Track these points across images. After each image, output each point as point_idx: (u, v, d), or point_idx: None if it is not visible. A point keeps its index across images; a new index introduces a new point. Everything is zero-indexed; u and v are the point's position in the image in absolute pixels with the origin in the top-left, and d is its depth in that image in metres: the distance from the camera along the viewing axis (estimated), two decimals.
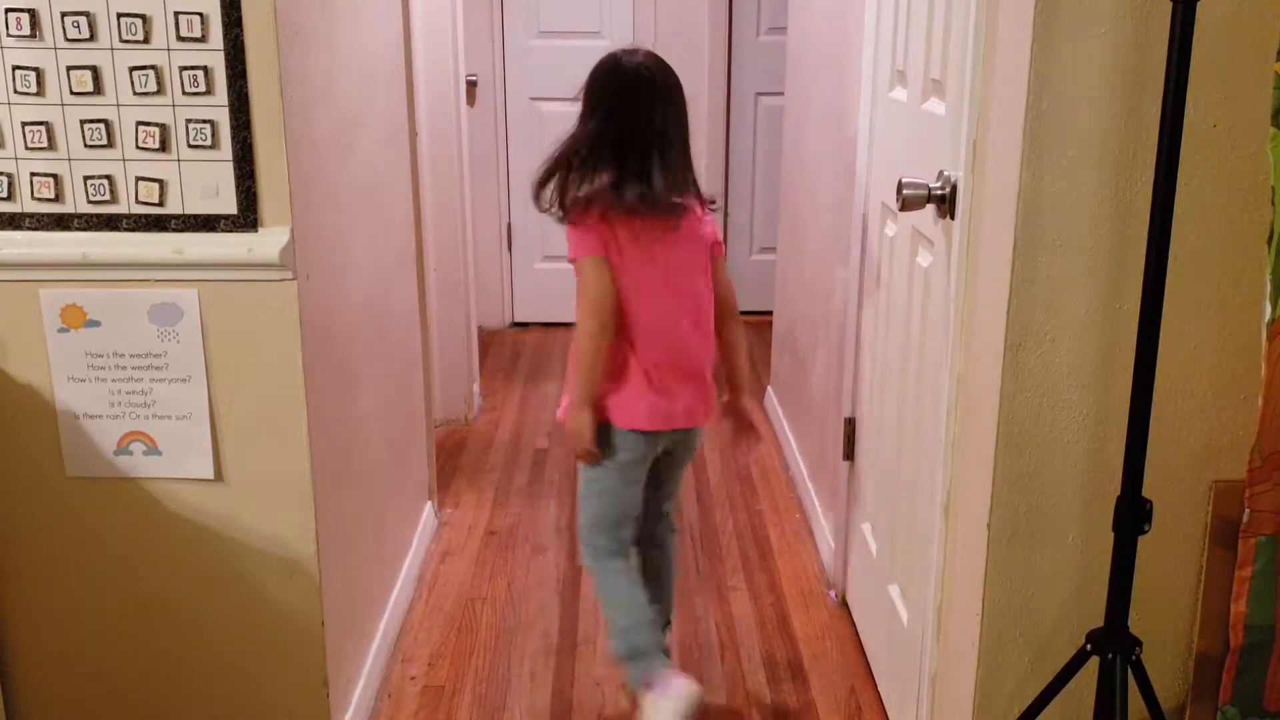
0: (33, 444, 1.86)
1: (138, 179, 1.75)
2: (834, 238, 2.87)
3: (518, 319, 5.17)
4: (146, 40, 1.69)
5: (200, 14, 1.67)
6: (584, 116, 2.09)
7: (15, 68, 1.71)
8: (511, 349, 4.85)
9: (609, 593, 2.21)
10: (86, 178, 1.75)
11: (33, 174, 1.75)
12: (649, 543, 2.30)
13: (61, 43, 1.70)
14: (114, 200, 1.76)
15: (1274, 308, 1.42)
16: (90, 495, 1.88)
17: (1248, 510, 1.51)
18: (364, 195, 2.29)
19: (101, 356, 1.82)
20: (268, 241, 1.76)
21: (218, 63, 1.70)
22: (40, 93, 1.72)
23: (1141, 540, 1.52)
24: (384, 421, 2.49)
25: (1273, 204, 1.42)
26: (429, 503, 3.09)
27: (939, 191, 1.81)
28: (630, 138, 2.04)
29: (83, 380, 1.83)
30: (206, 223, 1.77)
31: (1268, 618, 1.54)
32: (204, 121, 1.72)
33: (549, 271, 5.12)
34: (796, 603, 2.75)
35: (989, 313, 1.64)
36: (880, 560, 2.33)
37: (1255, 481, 1.49)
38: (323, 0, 1.96)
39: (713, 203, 2.16)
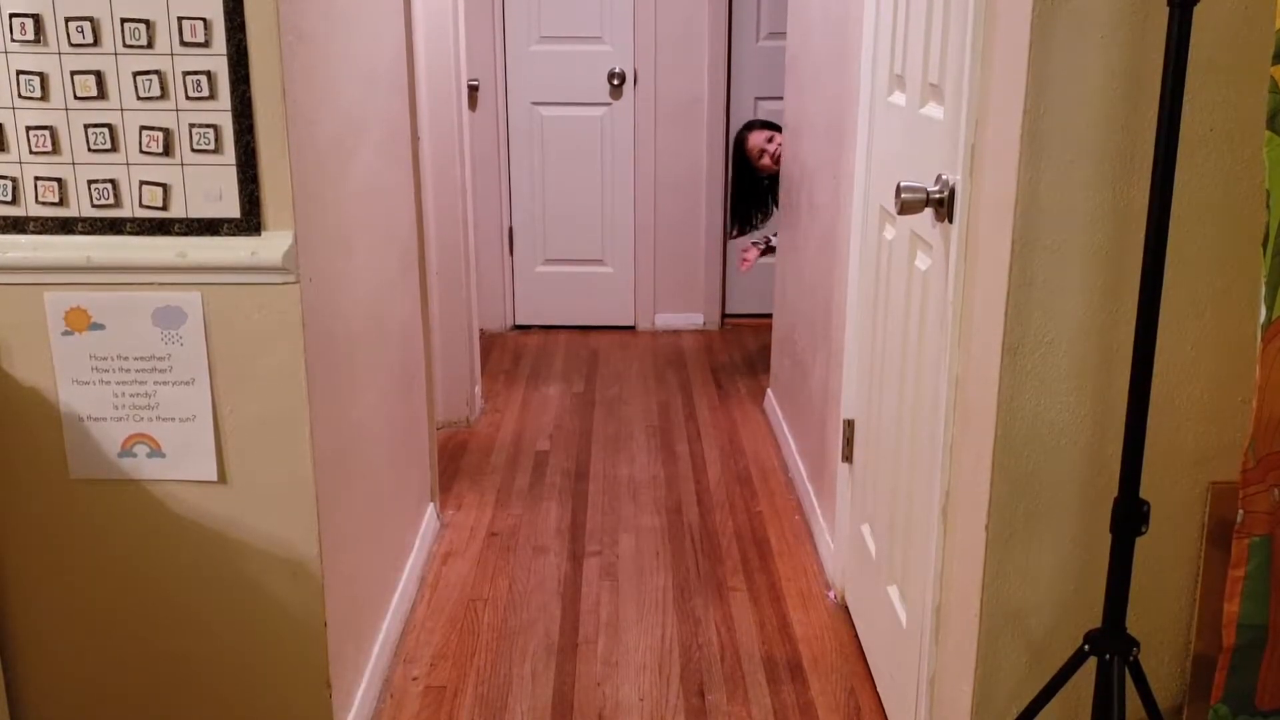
0: (37, 446, 1.87)
1: (141, 183, 1.76)
2: (833, 241, 2.88)
3: (519, 322, 5.18)
4: (150, 45, 1.70)
5: (204, 19, 1.69)
6: None
7: (20, 72, 1.72)
8: (513, 352, 4.87)
9: None
10: (90, 182, 1.76)
11: (37, 178, 1.77)
12: None
13: (66, 48, 1.71)
14: (118, 204, 1.77)
15: (1269, 310, 1.43)
16: (94, 497, 1.89)
17: (1241, 511, 1.51)
18: (366, 199, 2.31)
19: (105, 359, 1.83)
20: (271, 245, 1.77)
21: (221, 68, 1.71)
22: (45, 97, 1.73)
23: (1139, 541, 1.52)
24: (386, 424, 2.50)
25: (1268, 207, 1.42)
26: (431, 504, 3.10)
27: (937, 195, 1.82)
28: None
29: (87, 383, 1.84)
30: (210, 226, 1.78)
31: (1260, 618, 1.55)
32: (207, 126, 1.73)
33: (550, 275, 5.13)
34: (796, 604, 2.76)
35: (987, 315, 1.65)
36: (879, 561, 2.34)
37: (1249, 483, 1.50)
38: (325, 5, 1.97)
39: None
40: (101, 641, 1.97)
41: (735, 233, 4.88)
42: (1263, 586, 1.54)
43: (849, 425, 2.65)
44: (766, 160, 4.46)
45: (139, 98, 1.73)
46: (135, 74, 1.72)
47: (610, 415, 4.09)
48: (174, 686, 1.99)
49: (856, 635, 2.58)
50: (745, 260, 4.56)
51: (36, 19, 1.70)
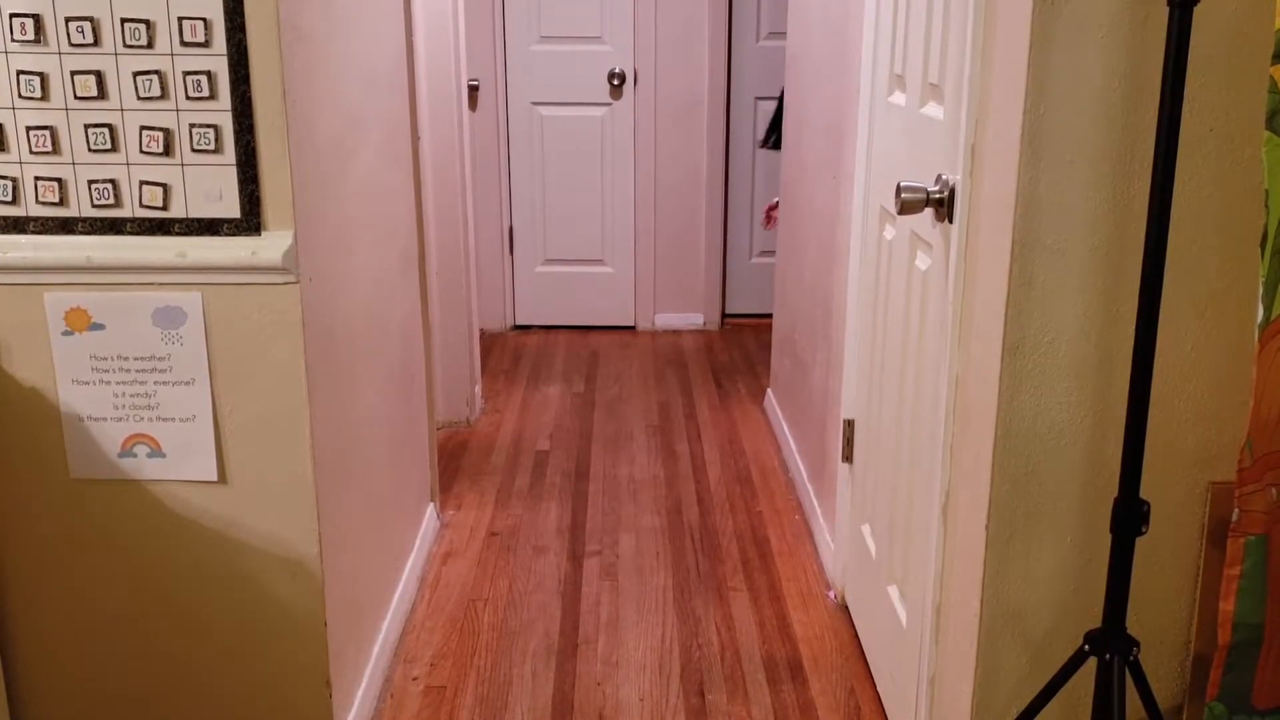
0: (37, 446, 1.87)
1: (141, 183, 1.76)
2: (833, 241, 2.88)
3: (519, 322, 5.18)
4: (150, 45, 1.70)
5: (204, 19, 1.69)
6: None
7: (20, 72, 1.72)
8: (513, 352, 4.87)
9: None
10: (91, 182, 1.76)
11: (37, 178, 1.77)
12: None
13: (66, 48, 1.71)
14: (118, 204, 1.77)
15: (1266, 310, 1.43)
16: (94, 497, 1.89)
17: (1237, 510, 1.51)
18: (366, 199, 2.31)
19: (105, 359, 1.83)
20: (271, 245, 1.77)
21: (221, 67, 1.71)
22: (45, 97, 1.73)
23: (1139, 541, 1.53)
24: (386, 423, 2.51)
25: (1267, 207, 1.42)
26: (431, 504, 3.10)
27: (937, 195, 1.82)
28: None
29: (87, 383, 1.84)
30: (210, 226, 1.78)
31: (1256, 616, 1.55)
32: (207, 126, 1.73)
33: (550, 275, 5.13)
34: (796, 604, 2.76)
35: (987, 315, 1.65)
36: (879, 561, 2.34)
37: (1245, 481, 1.50)
38: (325, 5, 1.97)
39: None
40: (101, 641, 1.97)
41: (766, 142, 4.88)
42: (1259, 585, 1.54)
43: (849, 425, 2.65)
44: None
45: (139, 98, 1.73)
46: (135, 74, 1.72)
47: (610, 415, 4.09)
48: (174, 686, 1.99)
49: (856, 635, 2.58)
50: (771, 219, 4.59)
51: (36, 19, 1.70)
